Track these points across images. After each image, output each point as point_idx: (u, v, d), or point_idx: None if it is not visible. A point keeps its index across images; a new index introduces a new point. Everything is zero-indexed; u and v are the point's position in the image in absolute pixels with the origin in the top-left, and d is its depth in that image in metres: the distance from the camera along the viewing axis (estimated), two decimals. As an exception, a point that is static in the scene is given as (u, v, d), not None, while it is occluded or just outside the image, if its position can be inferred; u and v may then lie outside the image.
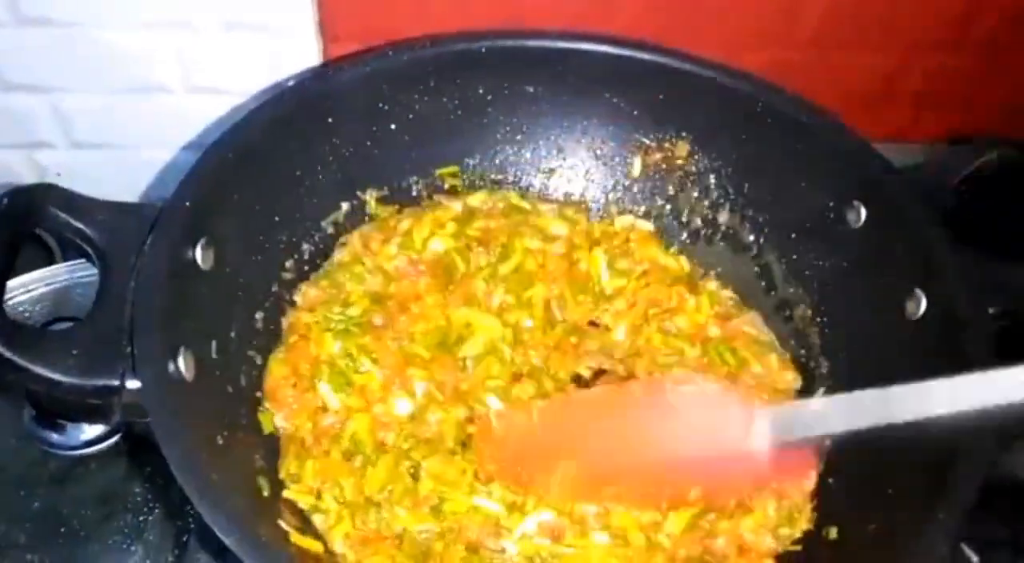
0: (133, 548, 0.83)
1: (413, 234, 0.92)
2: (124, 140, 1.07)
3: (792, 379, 0.90)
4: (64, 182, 1.08)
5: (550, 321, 0.90)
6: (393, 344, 0.85)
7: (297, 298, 0.88)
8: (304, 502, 0.78)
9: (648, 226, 0.98)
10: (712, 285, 0.96)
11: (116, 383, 0.64)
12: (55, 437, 0.88)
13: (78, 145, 1.07)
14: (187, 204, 0.72)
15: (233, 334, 0.79)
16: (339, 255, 0.92)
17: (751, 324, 0.93)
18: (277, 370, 0.84)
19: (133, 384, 0.63)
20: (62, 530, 0.83)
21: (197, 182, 0.74)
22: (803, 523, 0.80)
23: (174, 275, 0.69)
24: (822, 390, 0.87)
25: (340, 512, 0.77)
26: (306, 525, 0.76)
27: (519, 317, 0.89)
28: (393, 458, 0.79)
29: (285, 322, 0.87)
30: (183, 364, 0.68)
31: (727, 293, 0.95)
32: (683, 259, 0.96)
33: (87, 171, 1.09)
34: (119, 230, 0.71)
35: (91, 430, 0.87)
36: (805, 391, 0.89)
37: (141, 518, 0.84)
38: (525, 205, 0.98)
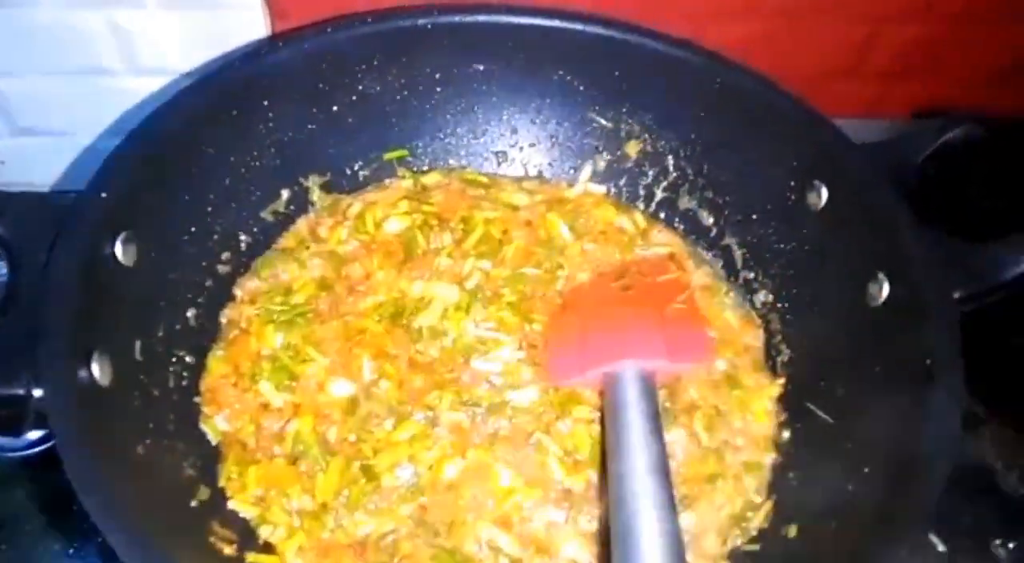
0: (83, 552, 0.80)
1: (366, 217, 0.89)
2: (70, 126, 1.03)
3: (755, 337, 0.88)
4: (8, 171, 1.08)
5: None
6: (339, 324, 0.82)
7: (237, 291, 0.85)
8: (249, 513, 0.75)
9: (600, 189, 0.96)
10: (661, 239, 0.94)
11: (22, 392, 0.61)
12: (0, 439, 0.85)
13: (22, 132, 1.03)
14: (103, 195, 0.69)
15: (161, 333, 0.76)
16: (282, 241, 0.89)
17: (706, 275, 0.92)
18: (217, 368, 0.81)
19: (39, 392, 0.60)
20: (9, 535, 0.81)
21: (116, 171, 0.71)
22: (759, 521, 0.77)
23: (89, 272, 0.66)
24: (783, 379, 0.85)
25: (291, 524, 0.74)
26: (247, 539, 0.73)
27: (497, 275, 0.87)
28: (344, 460, 0.76)
29: (224, 317, 0.84)
30: (97, 369, 0.64)
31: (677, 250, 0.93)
32: (638, 216, 0.94)
33: (33, 160, 1.05)
34: (29, 223, 0.68)
35: (38, 431, 0.84)
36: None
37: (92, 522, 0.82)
38: (483, 179, 0.95)
